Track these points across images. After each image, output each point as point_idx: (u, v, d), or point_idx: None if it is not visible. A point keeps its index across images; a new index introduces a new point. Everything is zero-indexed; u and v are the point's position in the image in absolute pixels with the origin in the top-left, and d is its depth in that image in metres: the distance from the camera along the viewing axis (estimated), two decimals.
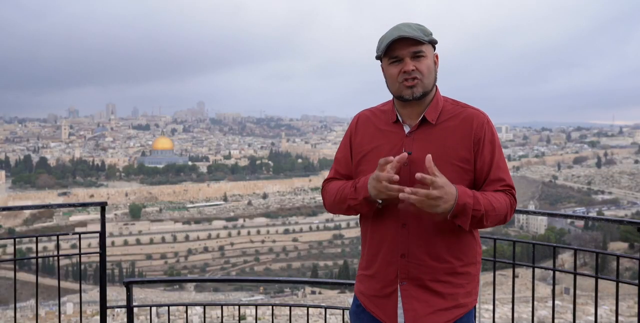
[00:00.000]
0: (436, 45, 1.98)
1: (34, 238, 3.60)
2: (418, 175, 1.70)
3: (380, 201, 1.86)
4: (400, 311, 1.92)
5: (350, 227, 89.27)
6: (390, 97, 2.04)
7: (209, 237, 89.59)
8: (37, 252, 3.70)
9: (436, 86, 1.98)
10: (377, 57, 1.98)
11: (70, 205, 3.94)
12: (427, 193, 1.69)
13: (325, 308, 3.72)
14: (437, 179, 1.69)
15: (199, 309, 23.97)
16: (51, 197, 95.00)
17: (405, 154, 1.78)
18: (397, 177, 1.75)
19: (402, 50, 1.88)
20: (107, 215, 4.41)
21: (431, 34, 1.93)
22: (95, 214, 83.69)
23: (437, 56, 1.96)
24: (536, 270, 3.13)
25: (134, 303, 3.63)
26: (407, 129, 1.96)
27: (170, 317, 5.20)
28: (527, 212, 3.33)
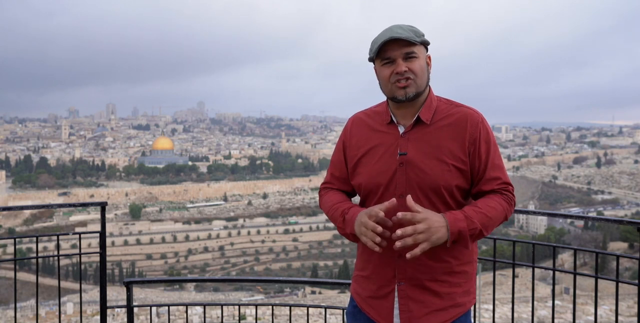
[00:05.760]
0: (429, 47, 1.98)
1: (34, 238, 3.59)
2: (398, 214, 1.75)
3: None
4: (396, 312, 1.92)
5: None
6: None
7: (209, 237, 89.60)
8: (37, 252, 3.70)
9: (429, 86, 1.98)
10: (370, 59, 1.98)
11: (70, 205, 3.94)
12: (415, 228, 1.73)
13: (325, 308, 3.72)
14: (416, 215, 1.74)
15: (199, 309, 23.99)
16: (51, 197, 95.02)
17: (393, 200, 1.80)
18: (380, 229, 1.78)
19: (394, 51, 1.88)
20: (107, 215, 4.41)
21: (423, 35, 1.93)
22: (95, 214, 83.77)
23: (429, 57, 1.96)
24: (536, 270, 3.13)
25: (134, 303, 3.63)
26: (401, 130, 1.96)
27: (170, 317, 5.20)
28: (527, 212, 3.32)
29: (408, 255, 1.77)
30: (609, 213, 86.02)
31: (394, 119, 1.99)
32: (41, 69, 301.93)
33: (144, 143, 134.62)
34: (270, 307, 3.86)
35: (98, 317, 9.44)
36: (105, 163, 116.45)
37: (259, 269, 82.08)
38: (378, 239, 1.78)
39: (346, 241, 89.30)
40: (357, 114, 2.12)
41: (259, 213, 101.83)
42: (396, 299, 1.92)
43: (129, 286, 3.60)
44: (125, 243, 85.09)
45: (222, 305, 3.90)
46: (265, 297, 49.70)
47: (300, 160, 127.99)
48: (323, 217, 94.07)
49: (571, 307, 4.61)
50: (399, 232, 1.73)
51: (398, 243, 1.75)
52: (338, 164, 2.12)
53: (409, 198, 1.78)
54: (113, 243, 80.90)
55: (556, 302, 21.23)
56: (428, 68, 1.94)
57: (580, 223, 70.43)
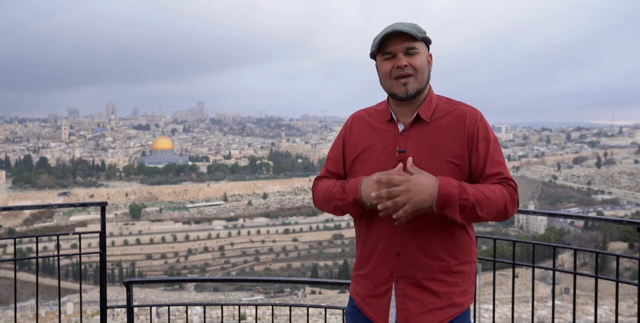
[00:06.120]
0: (431, 45, 1.98)
1: (34, 238, 3.59)
2: (373, 176, 1.80)
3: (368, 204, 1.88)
4: (392, 310, 1.91)
5: (350, 227, 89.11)
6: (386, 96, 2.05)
7: (209, 237, 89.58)
8: (37, 252, 3.70)
9: (429, 85, 1.98)
10: (371, 55, 1.98)
11: (70, 205, 3.94)
12: (389, 191, 1.74)
13: (325, 308, 3.72)
14: (394, 177, 1.75)
15: (199, 309, 23.99)
16: (51, 197, 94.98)
17: (401, 165, 1.82)
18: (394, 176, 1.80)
19: (396, 45, 1.88)
20: (107, 215, 4.41)
21: (425, 33, 1.93)
22: (95, 214, 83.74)
23: (430, 56, 1.96)
24: (536, 270, 3.13)
25: (134, 303, 3.63)
26: (401, 127, 1.96)
27: (170, 317, 5.20)
28: (527, 212, 3.32)
29: (394, 217, 1.77)
30: (609, 213, 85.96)
31: (393, 116, 1.98)
32: (41, 69, 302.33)
33: (144, 143, 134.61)
34: (270, 307, 3.86)
35: (98, 317, 9.44)
36: (105, 163, 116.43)
37: (259, 269, 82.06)
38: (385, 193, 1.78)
39: (346, 241, 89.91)
40: (358, 112, 2.12)
41: (259, 213, 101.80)
42: (393, 298, 1.91)
43: (129, 286, 3.60)
44: (125, 243, 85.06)
45: (222, 305, 3.90)
46: (265, 297, 49.68)
47: (300, 160, 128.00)
48: (323, 217, 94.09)
49: (571, 307, 4.61)
50: (373, 194, 1.75)
51: (380, 206, 1.76)
52: (335, 160, 2.11)
53: (409, 159, 1.80)
54: (113, 243, 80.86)
55: (556, 302, 21.23)
56: (429, 66, 1.94)
57: (580, 223, 70.42)
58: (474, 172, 1.91)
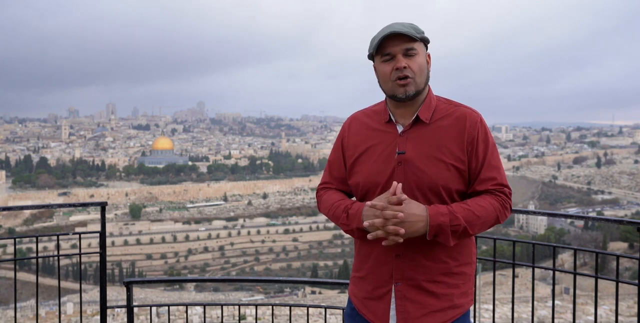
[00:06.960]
0: (429, 45, 1.96)
1: (34, 238, 3.59)
2: (368, 203, 1.77)
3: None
4: (392, 312, 1.90)
5: None
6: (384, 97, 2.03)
7: (209, 237, 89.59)
8: (37, 252, 3.70)
9: (429, 85, 1.96)
10: (369, 56, 1.97)
11: (70, 205, 3.94)
12: (383, 221, 1.74)
13: (325, 308, 3.72)
14: (390, 207, 1.74)
15: (199, 309, 24.00)
16: (51, 197, 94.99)
17: (395, 184, 1.79)
18: (395, 199, 1.78)
19: (394, 47, 1.86)
20: (107, 215, 4.41)
21: (423, 33, 1.92)
22: (95, 214, 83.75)
23: (429, 55, 1.95)
24: (536, 270, 3.13)
25: (134, 303, 3.63)
26: (400, 129, 1.95)
27: (170, 317, 5.20)
28: (527, 212, 3.32)
29: (384, 244, 1.77)
30: (609, 213, 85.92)
31: (392, 117, 1.97)
32: (41, 69, 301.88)
33: (144, 143, 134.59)
34: (270, 307, 3.86)
35: (98, 317, 9.44)
36: (105, 163, 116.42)
37: (259, 269, 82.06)
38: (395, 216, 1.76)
39: (346, 241, 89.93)
40: (356, 114, 2.11)
41: (259, 213, 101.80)
42: (393, 300, 1.90)
43: (129, 286, 3.59)
44: (125, 243, 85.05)
45: (222, 305, 3.90)
46: (265, 297, 49.69)
47: (300, 160, 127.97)
48: (323, 217, 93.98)
49: (571, 307, 4.61)
50: (365, 223, 1.75)
51: (369, 236, 1.75)
52: (336, 164, 2.10)
53: (399, 186, 1.76)
54: (113, 243, 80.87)
55: (556, 302, 21.23)
56: (428, 66, 1.93)
57: (580, 223, 70.42)
58: (471, 174, 1.90)
